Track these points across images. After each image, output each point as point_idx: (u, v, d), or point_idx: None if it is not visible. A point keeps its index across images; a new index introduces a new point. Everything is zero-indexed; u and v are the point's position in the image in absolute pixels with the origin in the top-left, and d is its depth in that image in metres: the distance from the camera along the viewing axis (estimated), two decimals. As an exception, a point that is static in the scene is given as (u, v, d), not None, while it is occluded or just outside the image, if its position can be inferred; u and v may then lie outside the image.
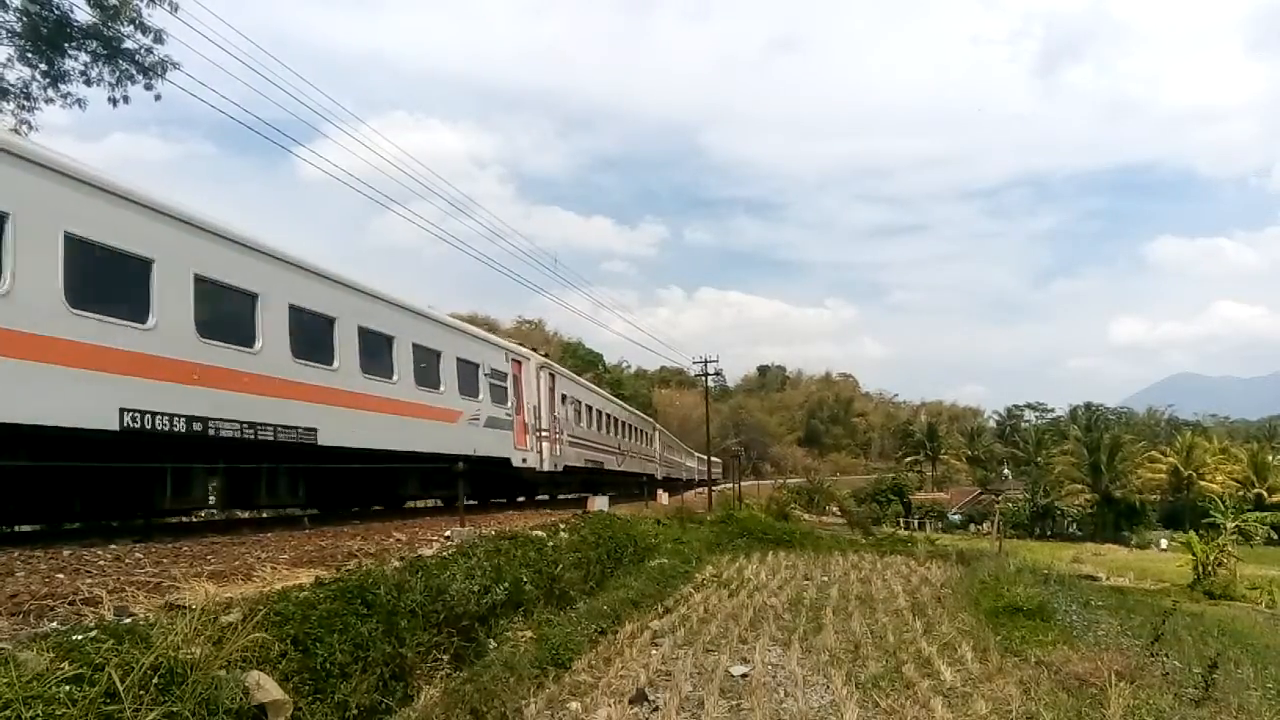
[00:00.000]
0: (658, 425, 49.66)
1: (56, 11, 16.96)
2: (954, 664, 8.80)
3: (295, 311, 11.76)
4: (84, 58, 17.70)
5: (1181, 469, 73.08)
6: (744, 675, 8.31)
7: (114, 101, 18.16)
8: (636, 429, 39.43)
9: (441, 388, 15.96)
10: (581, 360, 74.48)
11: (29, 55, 17.27)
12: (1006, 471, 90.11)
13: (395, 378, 14.19)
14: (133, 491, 9.86)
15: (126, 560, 7.21)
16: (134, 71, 17.96)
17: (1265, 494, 68.10)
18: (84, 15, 17.20)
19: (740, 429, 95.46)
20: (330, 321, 12.66)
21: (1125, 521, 69.31)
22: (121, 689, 3.92)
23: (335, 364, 12.59)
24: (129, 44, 17.67)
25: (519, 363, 20.82)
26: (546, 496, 24.26)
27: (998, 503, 69.88)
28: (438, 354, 15.96)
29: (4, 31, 16.83)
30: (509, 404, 19.27)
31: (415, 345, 14.99)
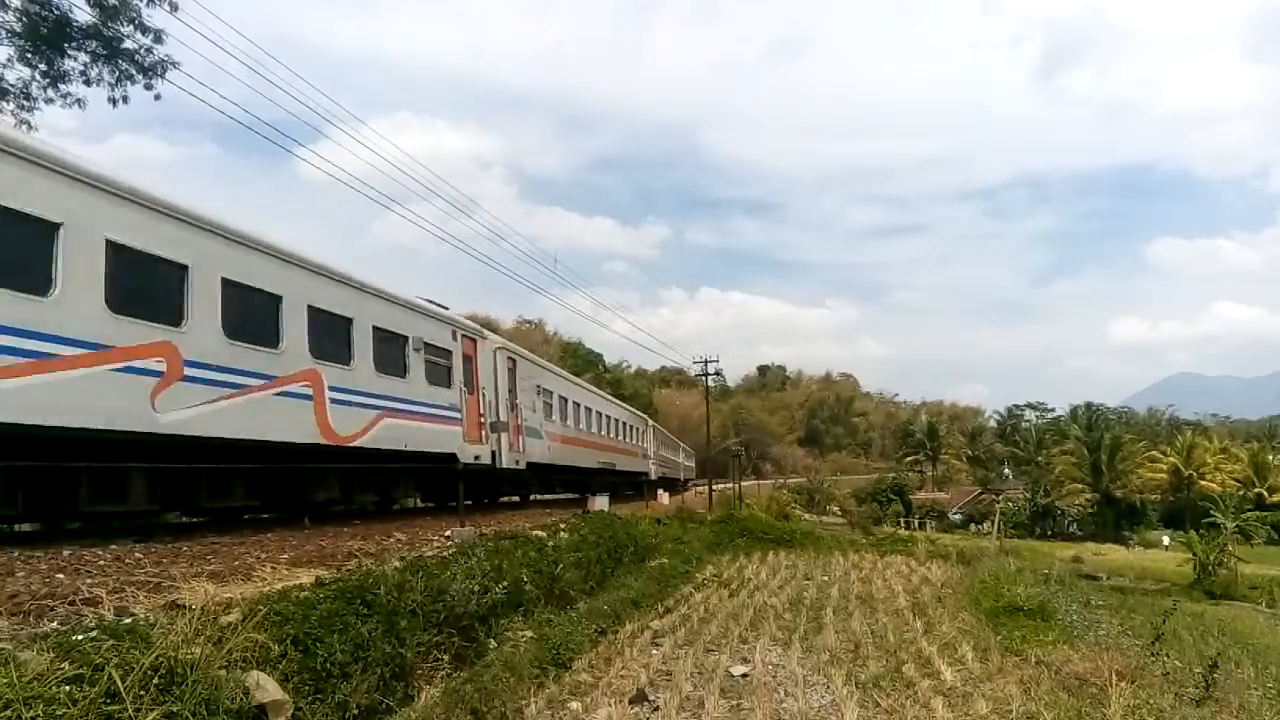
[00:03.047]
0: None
1: (56, 11, 16.94)
2: (954, 664, 8.80)
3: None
4: (84, 58, 17.68)
5: (1182, 469, 73.09)
6: (744, 675, 8.31)
7: (114, 102, 18.14)
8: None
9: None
10: (582, 360, 74.42)
11: (29, 55, 17.25)
12: (1007, 471, 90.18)
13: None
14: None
15: (126, 560, 7.21)
16: (134, 71, 17.92)
17: (1265, 494, 68.12)
18: (84, 15, 17.20)
19: (740, 429, 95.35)
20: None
21: (1126, 521, 69.37)
22: (122, 689, 3.92)
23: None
24: (129, 44, 17.66)
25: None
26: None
27: (998, 502, 69.96)
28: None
29: (3, 31, 16.83)
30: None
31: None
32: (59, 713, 3.65)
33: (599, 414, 28.88)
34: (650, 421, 42.55)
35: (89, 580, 6.03)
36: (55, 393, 7.47)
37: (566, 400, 24.22)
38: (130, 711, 3.89)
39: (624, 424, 34.05)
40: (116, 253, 8.24)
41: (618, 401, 37.14)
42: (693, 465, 62.55)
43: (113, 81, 18.00)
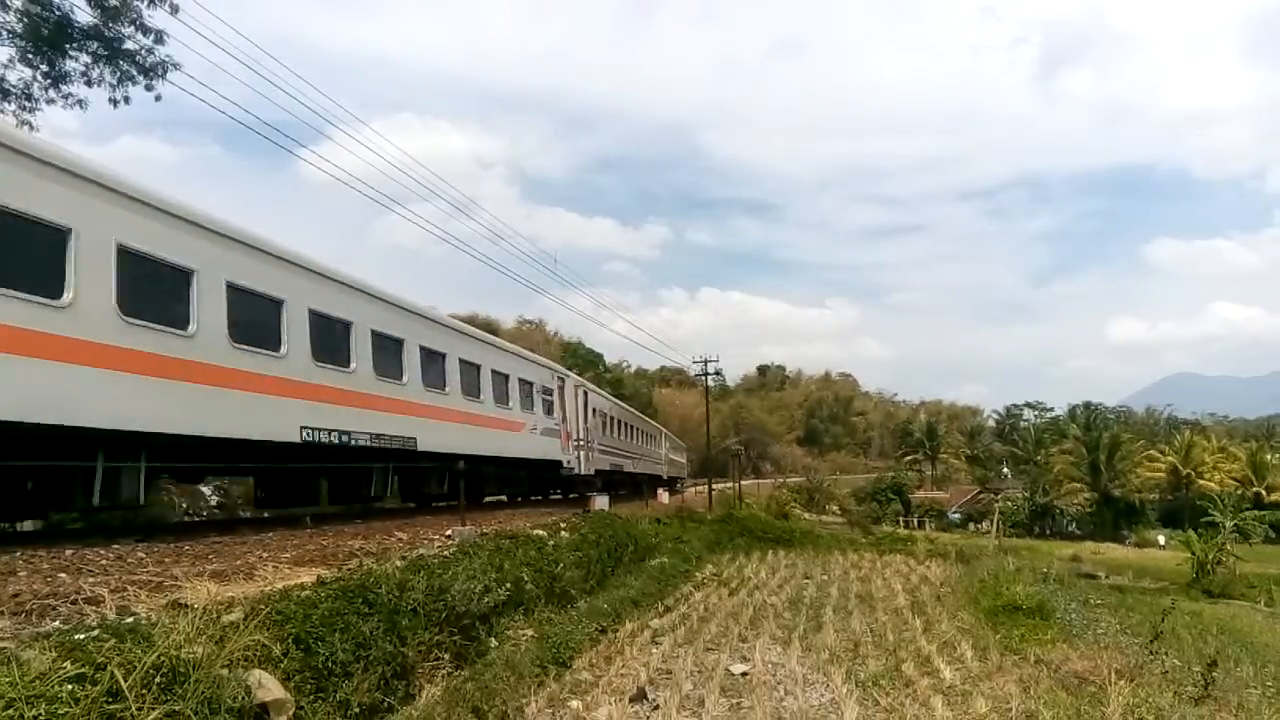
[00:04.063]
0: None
1: (57, 12, 16.94)
2: (953, 662, 8.82)
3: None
4: (85, 59, 17.68)
5: (1180, 468, 73.09)
6: (744, 674, 8.32)
7: (114, 102, 18.13)
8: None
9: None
10: (581, 360, 74.40)
11: (30, 56, 17.25)
12: (1006, 470, 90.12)
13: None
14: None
15: (128, 560, 7.22)
16: (134, 72, 17.92)
17: (1264, 493, 68.14)
18: (85, 16, 17.20)
19: (740, 428, 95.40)
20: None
21: (1124, 520, 69.37)
22: (124, 688, 3.93)
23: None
24: (130, 45, 17.66)
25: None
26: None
27: (997, 502, 69.98)
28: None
29: (4, 32, 16.83)
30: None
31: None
32: (61, 712, 3.66)
33: (346, 324, 13.01)
34: (573, 377, 26.11)
35: (91, 579, 6.04)
36: None
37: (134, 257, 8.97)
38: (133, 710, 3.90)
39: (475, 368, 17.68)
40: None
41: (457, 324, 18.54)
42: (684, 462, 58.92)
43: (114, 82, 18.01)
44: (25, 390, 7.53)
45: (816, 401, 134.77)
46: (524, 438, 20.47)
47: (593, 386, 30.42)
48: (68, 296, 8.01)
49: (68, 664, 3.93)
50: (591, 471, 25.79)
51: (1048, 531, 69.58)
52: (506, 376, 19.59)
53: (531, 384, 21.28)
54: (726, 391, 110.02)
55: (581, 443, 24.87)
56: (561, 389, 23.87)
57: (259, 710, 4.71)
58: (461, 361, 16.93)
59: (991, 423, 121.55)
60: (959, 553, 21.78)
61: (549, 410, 22.42)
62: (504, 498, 21.96)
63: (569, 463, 23.77)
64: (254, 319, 10.85)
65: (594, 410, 27.34)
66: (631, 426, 36.36)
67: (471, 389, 17.51)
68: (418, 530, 12.08)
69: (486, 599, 8.48)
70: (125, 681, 3.96)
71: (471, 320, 27.02)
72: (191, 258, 9.73)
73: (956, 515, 75.60)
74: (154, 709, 4.00)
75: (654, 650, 9.35)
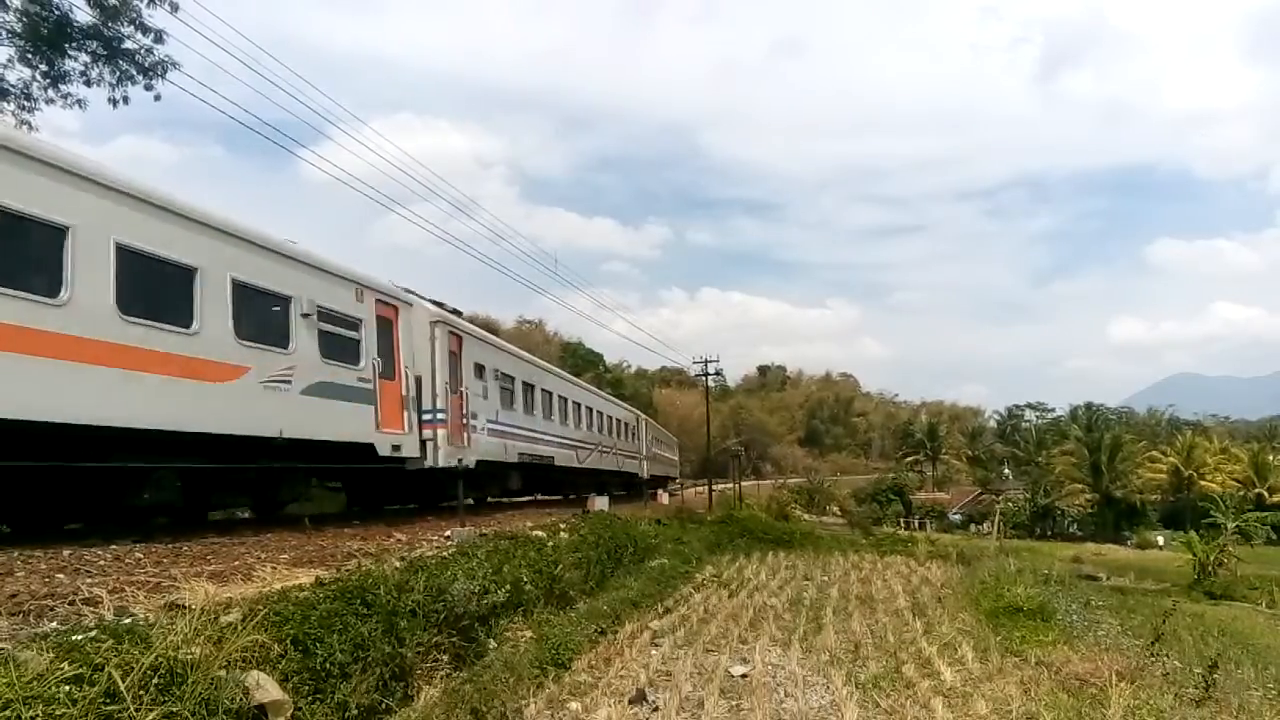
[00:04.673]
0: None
1: (56, 12, 16.97)
2: (954, 664, 8.80)
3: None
4: (84, 58, 17.71)
5: (1182, 469, 73.03)
6: (744, 675, 8.31)
7: (114, 102, 18.17)
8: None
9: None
10: (582, 360, 74.51)
11: (29, 56, 17.28)
12: (1007, 471, 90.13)
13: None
14: None
15: (126, 560, 7.21)
16: (134, 72, 17.96)
17: (1266, 494, 68.08)
18: (84, 15, 17.23)
19: (740, 429, 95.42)
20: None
21: (1126, 521, 69.37)
22: (122, 689, 3.92)
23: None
24: (129, 44, 17.68)
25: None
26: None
27: (998, 503, 69.90)
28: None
29: (4, 32, 16.85)
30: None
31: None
32: (59, 712, 3.65)
33: None
34: (429, 307, 15.35)
35: (89, 580, 6.03)
36: None
37: None
38: (130, 711, 3.90)
39: (51, 231, 7.57)
40: None
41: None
42: (675, 459, 54.41)
43: (113, 82, 18.06)
44: None
45: (817, 402, 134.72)
46: (245, 394, 10.14)
47: (475, 328, 18.68)
48: None
49: (65, 665, 3.93)
50: (470, 463, 15.92)
51: (1049, 533, 69.54)
52: (190, 271, 9.38)
53: (286, 299, 11.12)
54: (727, 392, 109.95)
55: (441, 416, 14.73)
56: (390, 322, 13.82)
57: (256, 711, 4.71)
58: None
59: (993, 423, 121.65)
60: (960, 554, 21.74)
61: (345, 354, 12.42)
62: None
63: (401, 447, 13.69)
64: None
65: (477, 366, 16.99)
66: (575, 403, 25.53)
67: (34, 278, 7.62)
68: (416, 531, 12.10)
69: (485, 600, 8.47)
70: (123, 682, 3.96)
71: (471, 320, 18.85)
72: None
73: (958, 516, 75.53)
74: (152, 710, 4.00)
75: (653, 652, 9.34)
